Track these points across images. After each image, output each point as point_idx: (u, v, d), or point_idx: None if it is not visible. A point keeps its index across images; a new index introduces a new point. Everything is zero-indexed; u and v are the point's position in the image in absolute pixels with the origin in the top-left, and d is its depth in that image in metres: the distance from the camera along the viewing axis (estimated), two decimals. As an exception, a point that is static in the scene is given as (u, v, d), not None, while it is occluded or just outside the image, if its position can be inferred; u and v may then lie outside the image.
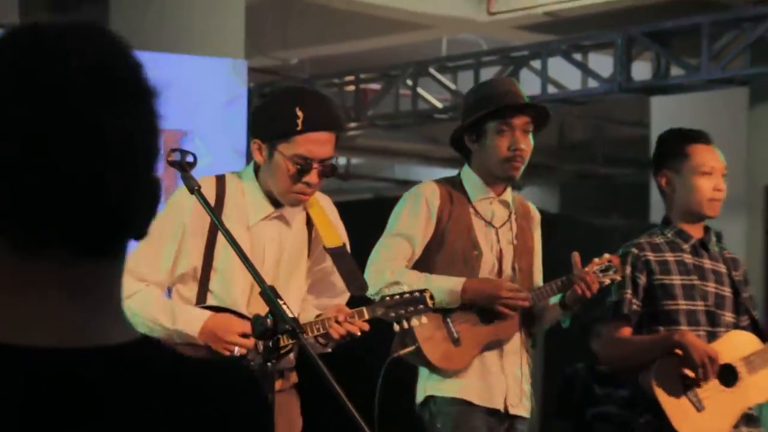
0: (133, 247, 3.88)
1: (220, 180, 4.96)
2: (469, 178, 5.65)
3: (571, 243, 5.67)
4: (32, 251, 1.48)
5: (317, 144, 4.78)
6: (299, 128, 4.74)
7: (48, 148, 1.49)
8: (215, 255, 4.97)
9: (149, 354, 1.58)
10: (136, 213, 1.58)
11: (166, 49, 10.37)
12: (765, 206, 12.52)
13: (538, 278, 5.75)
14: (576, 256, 5.31)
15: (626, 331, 5.52)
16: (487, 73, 11.66)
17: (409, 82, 12.52)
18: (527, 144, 5.48)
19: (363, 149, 18.90)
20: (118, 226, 1.55)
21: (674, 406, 5.40)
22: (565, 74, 11.73)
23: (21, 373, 1.47)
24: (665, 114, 13.07)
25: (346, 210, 11.27)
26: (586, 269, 5.28)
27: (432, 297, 4.94)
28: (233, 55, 11.18)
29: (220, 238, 4.78)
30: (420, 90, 12.63)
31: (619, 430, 10.28)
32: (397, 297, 4.93)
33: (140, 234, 1.59)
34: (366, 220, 5.90)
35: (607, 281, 5.37)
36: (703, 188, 5.50)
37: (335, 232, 5.05)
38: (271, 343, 4.24)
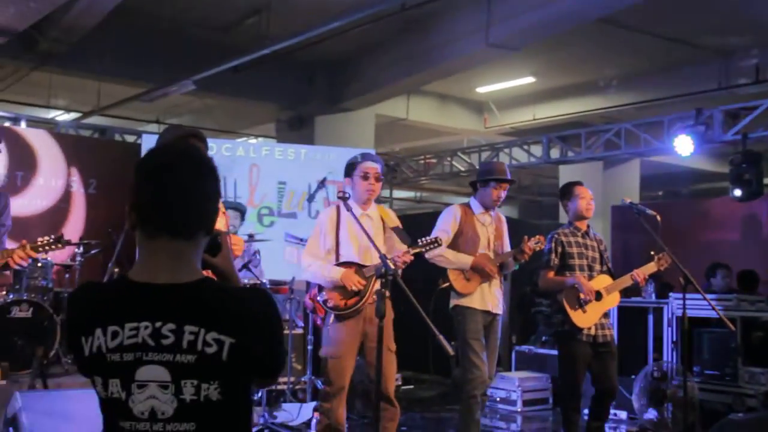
0: (309, 242, 4.98)
1: (341, 204, 4.96)
2: (474, 204, 5.65)
3: (524, 233, 5.60)
4: (152, 237, 1.75)
5: (369, 167, 5.00)
6: (360, 161, 5.03)
7: (159, 195, 1.74)
8: (340, 239, 4.98)
9: (205, 283, 1.75)
10: (203, 221, 1.78)
11: (343, 145, 10.88)
12: (611, 217, 11.58)
13: (507, 248, 5.71)
14: (525, 238, 5.42)
15: (551, 274, 5.62)
16: (484, 156, 12.28)
17: (449, 159, 12.72)
18: (504, 195, 5.61)
19: (427, 188, 19.00)
20: (194, 227, 1.77)
21: (572, 311, 5.47)
22: (520, 155, 12.04)
23: (146, 292, 1.72)
24: (566, 173, 12.60)
25: (419, 217, 11.69)
26: (528, 243, 5.38)
27: (441, 242, 5.07)
28: (369, 147, 11.53)
29: (341, 230, 4.98)
30: (454, 162, 12.77)
31: (546, 319, 9.36)
32: (424, 240, 4.95)
33: (208, 230, 1.80)
34: (430, 221, 5.66)
35: (537, 248, 5.44)
36: (581, 206, 5.66)
37: (394, 220, 5.12)
38: (384, 279, 4.01)
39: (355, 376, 6.41)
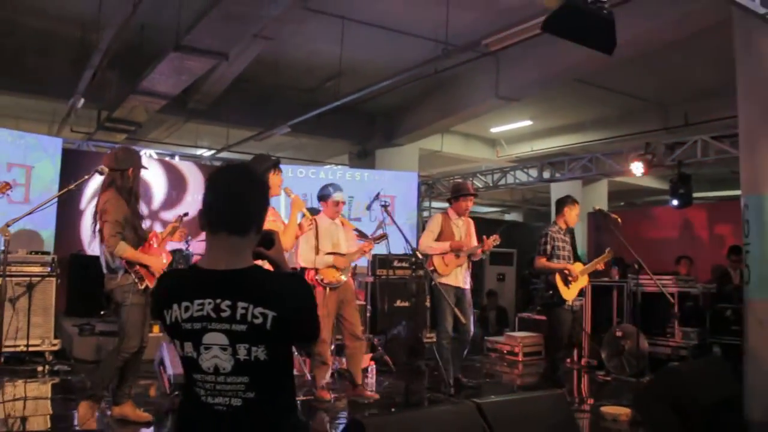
0: (303, 245, 4.93)
1: (317, 216, 5.04)
2: (451, 212, 5.67)
3: (527, 233, 5.76)
4: (215, 233, 1.67)
5: (339, 197, 5.17)
6: (332, 192, 5.17)
7: (216, 201, 1.67)
8: (319, 238, 5.02)
9: (253, 270, 1.65)
10: (254, 222, 1.69)
11: (393, 169, 10.99)
12: (587, 221, 11.71)
13: (474, 243, 5.69)
14: (484, 237, 5.44)
15: (544, 260, 5.49)
16: (496, 176, 11.38)
17: (470, 179, 11.04)
18: (470, 205, 5.63)
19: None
20: (246, 226, 1.67)
21: (561, 287, 5.41)
22: (522, 176, 11.10)
23: (210, 276, 1.64)
24: (556, 189, 12.27)
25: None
26: (488, 241, 5.37)
27: (386, 237, 5.16)
28: (414, 171, 11.40)
29: (320, 232, 5.06)
30: (474, 181, 11.16)
31: (539, 294, 8.98)
32: (378, 235, 5.09)
33: (258, 230, 1.68)
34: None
35: (494, 244, 5.41)
36: (570, 218, 5.61)
37: (349, 225, 5.28)
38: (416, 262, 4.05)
39: (401, 334, 6.73)
